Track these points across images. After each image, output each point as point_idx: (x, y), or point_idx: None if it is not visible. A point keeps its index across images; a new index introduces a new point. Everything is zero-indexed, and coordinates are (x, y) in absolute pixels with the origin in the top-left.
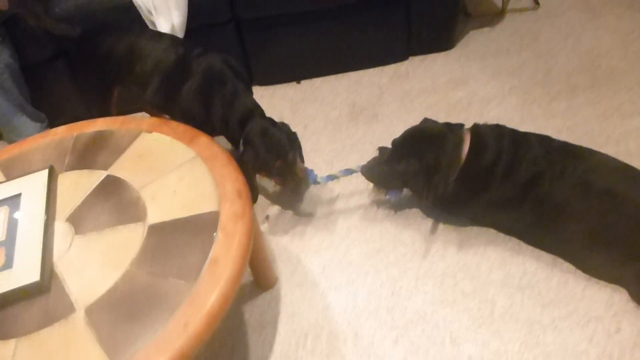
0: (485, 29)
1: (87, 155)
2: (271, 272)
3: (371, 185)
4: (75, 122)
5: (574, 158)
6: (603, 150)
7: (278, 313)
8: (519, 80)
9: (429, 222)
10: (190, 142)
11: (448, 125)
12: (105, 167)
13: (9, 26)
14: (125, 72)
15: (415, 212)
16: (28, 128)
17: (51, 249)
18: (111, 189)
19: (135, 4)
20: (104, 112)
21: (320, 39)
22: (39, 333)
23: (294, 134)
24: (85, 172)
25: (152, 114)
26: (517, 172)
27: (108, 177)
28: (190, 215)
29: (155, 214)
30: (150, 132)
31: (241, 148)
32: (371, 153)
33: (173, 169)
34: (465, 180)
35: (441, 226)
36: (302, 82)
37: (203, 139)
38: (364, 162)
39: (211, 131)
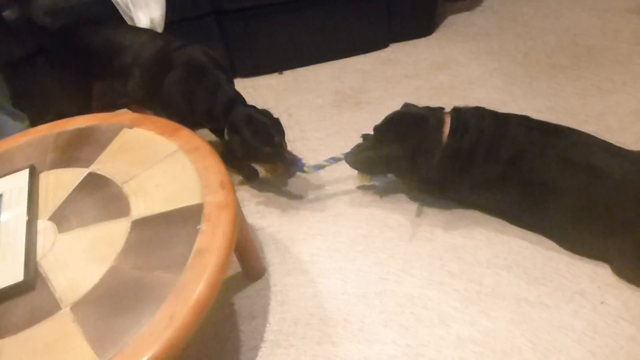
0: (465, 13)
1: (68, 152)
2: (259, 262)
3: (356, 172)
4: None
5: (553, 136)
6: (584, 127)
7: (268, 302)
8: (500, 61)
9: (414, 206)
10: (172, 135)
11: (428, 108)
12: (87, 164)
13: None
14: (104, 67)
15: (401, 196)
16: (8, 128)
17: (34, 248)
18: (94, 185)
19: (113, 0)
20: (85, 109)
21: (301, 28)
22: (25, 332)
23: (277, 119)
24: (67, 169)
25: (134, 110)
26: (499, 151)
27: (90, 173)
28: (174, 209)
29: (139, 209)
30: (131, 127)
31: (226, 137)
32: (356, 139)
33: (156, 163)
34: (448, 161)
35: (427, 209)
36: (286, 72)
37: (185, 132)
38: (349, 149)
39: (194, 124)
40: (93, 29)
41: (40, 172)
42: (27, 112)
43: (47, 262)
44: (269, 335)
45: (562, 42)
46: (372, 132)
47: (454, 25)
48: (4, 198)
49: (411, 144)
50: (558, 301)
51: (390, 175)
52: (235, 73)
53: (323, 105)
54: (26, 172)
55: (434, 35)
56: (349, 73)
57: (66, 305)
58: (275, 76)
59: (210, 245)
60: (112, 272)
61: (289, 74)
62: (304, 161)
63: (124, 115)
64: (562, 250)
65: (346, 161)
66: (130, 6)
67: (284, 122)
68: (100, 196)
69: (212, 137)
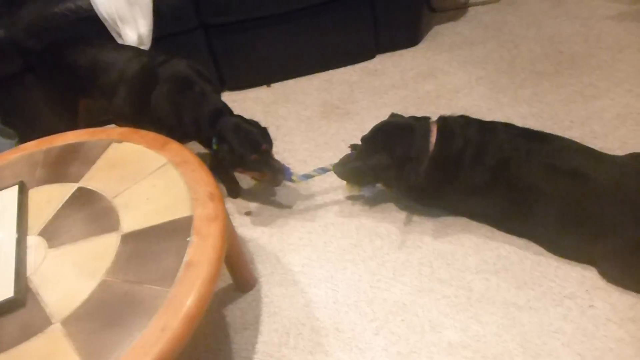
0: (450, 23)
1: (57, 168)
2: (250, 273)
3: (345, 182)
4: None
5: (538, 142)
6: (568, 133)
7: (259, 313)
8: (485, 70)
9: (403, 215)
10: (161, 149)
11: (415, 118)
12: (76, 179)
13: None
14: (88, 85)
15: (390, 205)
16: None
17: (24, 264)
18: (83, 200)
19: (100, 16)
20: (71, 126)
21: (289, 41)
22: (16, 348)
23: (265, 128)
24: (56, 185)
25: (120, 126)
26: (485, 158)
27: (80, 189)
28: (164, 222)
29: (129, 223)
30: (120, 141)
31: (214, 146)
32: (344, 150)
33: (145, 176)
34: (435, 169)
35: (415, 218)
36: (274, 84)
37: (173, 145)
38: (337, 159)
39: (184, 136)
40: (77, 47)
41: (30, 188)
42: (16, 129)
43: (37, 278)
44: (260, 346)
45: (546, 50)
46: (360, 143)
47: (439, 36)
48: None
49: (398, 153)
50: (547, 305)
51: (378, 185)
52: (224, 86)
53: (311, 117)
54: (15, 188)
55: (420, 45)
56: (336, 84)
57: (57, 321)
58: (264, 89)
59: (201, 258)
60: (102, 286)
61: (277, 87)
62: (292, 170)
63: (112, 130)
64: (550, 254)
65: (334, 172)
66: (118, 22)
67: (272, 134)
68: (89, 211)
69: (201, 149)
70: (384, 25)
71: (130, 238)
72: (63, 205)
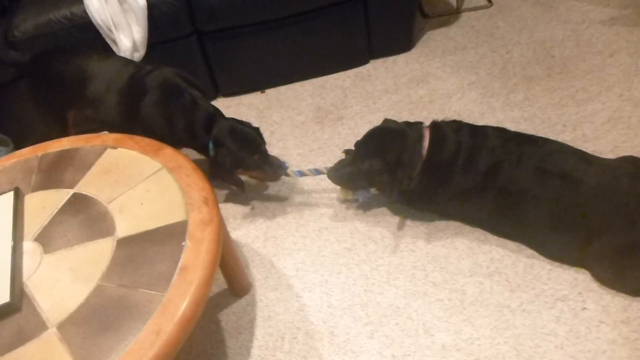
0: (443, 29)
1: (53, 174)
2: (244, 278)
3: (339, 188)
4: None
5: (529, 146)
6: (560, 137)
7: (254, 318)
8: (478, 75)
9: (397, 219)
10: (155, 154)
11: (407, 123)
12: (71, 185)
13: None
14: (76, 96)
15: (384, 210)
16: None
17: (20, 269)
18: (79, 206)
19: (95, 23)
20: (63, 136)
21: (282, 47)
22: (12, 353)
23: (257, 128)
24: (51, 191)
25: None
26: (477, 162)
27: (75, 194)
28: (159, 227)
29: (124, 228)
30: (115, 147)
31: (211, 152)
32: (338, 155)
33: (140, 181)
34: (428, 173)
35: (409, 222)
36: (267, 90)
37: (168, 150)
38: (331, 164)
39: (176, 143)
40: (63, 58)
41: (25, 194)
42: (11, 136)
43: (33, 283)
44: (255, 351)
45: (537, 54)
46: (353, 148)
47: (432, 41)
48: None
49: (391, 158)
50: (540, 308)
51: (372, 190)
52: (218, 92)
53: (305, 122)
54: (11, 194)
55: (413, 50)
56: (330, 90)
57: (53, 325)
58: (258, 95)
59: (195, 262)
60: (97, 290)
61: (270, 92)
62: (287, 165)
63: (107, 136)
64: (543, 257)
65: (328, 177)
66: (113, 29)
67: (266, 139)
68: (85, 216)
69: (196, 155)
70: (377, 31)
71: (125, 243)
72: (58, 210)
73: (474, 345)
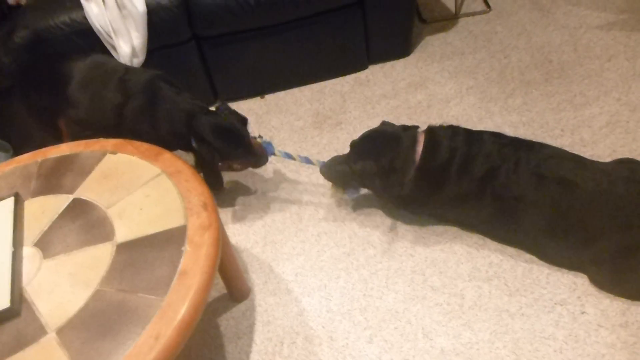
0: (441, 34)
1: (52, 179)
2: (244, 282)
3: (330, 184)
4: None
5: (526, 151)
6: (559, 141)
7: (253, 322)
8: (476, 80)
9: (396, 223)
10: (154, 159)
11: (403, 127)
12: (71, 190)
13: None
14: (64, 102)
15: (382, 214)
16: None
17: (20, 275)
18: (78, 211)
19: (95, 29)
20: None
21: (281, 52)
22: (11, 358)
23: (244, 117)
24: (51, 196)
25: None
26: (472, 168)
27: (74, 200)
28: (158, 231)
29: (123, 233)
30: (114, 152)
31: (194, 145)
32: None
33: (139, 186)
34: (421, 179)
35: (408, 226)
36: (266, 95)
37: (167, 155)
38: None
39: (165, 147)
40: (51, 65)
41: (25, 199)
42: (10, 142)
43: (32, 288)
44: (254, 356)
45: (535, 59)
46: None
47: (430, 46)
48: None
49: (384, 162)
50: (539, 312)
51: (362, 190)
52: (217, 98)
53: (304, 127)
54: (11, 200)
55: (411, 56)
56: (328, 95)
57: (52, 330)
58: (257, 100)
59: (194, 266)
60: (97, 295)
61: (269, 98)
62: (273, 145)
63: (106, 141)
64: (542, 261)
65: (320, 172)
66: (112, 35)
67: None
68: (84, 221)
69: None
70: (375, 36)
71: (125, 248)
72: (58, 216)
73: (473, 350)
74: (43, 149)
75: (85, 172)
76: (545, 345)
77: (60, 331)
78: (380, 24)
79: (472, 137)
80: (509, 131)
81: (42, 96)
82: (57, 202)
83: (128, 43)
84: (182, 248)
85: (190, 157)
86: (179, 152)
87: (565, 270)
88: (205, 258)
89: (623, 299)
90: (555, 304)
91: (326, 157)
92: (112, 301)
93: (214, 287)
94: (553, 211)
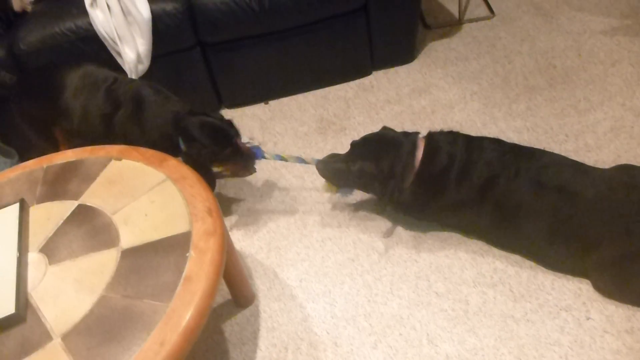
0: (445, 40)
1: (58, 185)
2: (248, 288)
3: (324, 181)
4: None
5: (526, 159)
6: (563, 146)
7: (258, 328)
8: (480, 85)
9: (400, 229)
10: (159, 165)
11: (404, 133)
12: (76, 197)
13: None
14: (56, 112)
15: (386, 220)
16: None
17: (25, 280)
18: (83, 217)
19: (100, 35)
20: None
21: (285, 58)
22: None
23: (230, 121)
24: (56, 202)
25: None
26: (472, 175)
27: (80, 206)
28: (163, 237)
29: (128, 239)
30: (119, 159)
31: (182, 146)
32: None
33: (144, 192)
34: (421, 185)
35: (412, 232)
36: (270, 101)
37: (172, 161)
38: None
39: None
40: (43, 75)
41: (31, 205)
42: (16, 148)
43: (37, 294)
44: None
45: (539, 64)
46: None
47: (434, 52)
48: None
49: (384, 166)
50: (544, 318)
51: (355, 190)
52: (221, 104)
53: (308, 133)
54: (16, 206)
55: (415, 61)
56: (332, 101)
57: (57, 336)
58: (261, 106)
59: (199, 272)
60: (102, 301)
61: (274, 103)
62: (263, 149)
63: (111, 147)
64: (546, 267)
65: (317, 168)
66: (117, 41)
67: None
68: (89, 227)
69: None
70: (379, 42)
71: (130, 254)
72: (64, 221)
73: (478, 356)
74: (48, 155)
75: (90, 178)
76: (551, 351)
77: (66, 337)
78: (384, 30)
79: (473, 144)
80: (513, 136)
81: (34, 105)
82: (63, 208)
83: (133, 49)
84: (187, 254)
85: None
86: None
87: (570, 276)
88: (210, 264)
89: (628, 305)
90: (561, 309)
91: None
92: (117, 307)
93: (218, 293)
94: (553, 219)
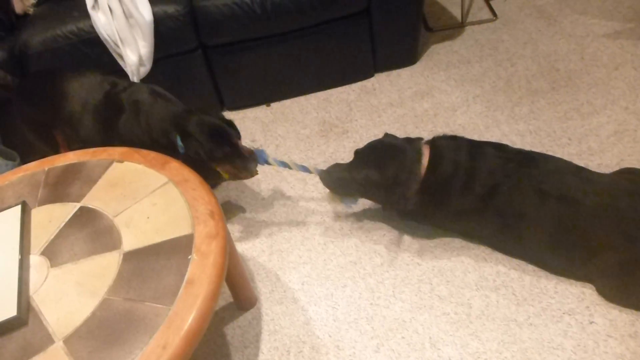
0: (447, 42)
1: (59, 188)
2: (250, 291)
3: (328, 191)
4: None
5: (529, 166)
6: (566, 150)
7: (260, 332)
8: (482, 88)
9: (402, 232)
10: (161, 168)
11: (408, 139)
12: (78, 199)
13: None
14: (56, 116)
15: (389, 223)
16: (0, 167)
17: (27, 283)
18: (85, 219)
19: (102, 38)
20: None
21: (287, 61)
22: None
23: (230, 121)
24: (58, 205)
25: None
26: (475, 184)
27: (82, 208)
28: (165, 240)
29: (130, 241)
30: (121, 161)
31: (180, 143)
32: None
33: (146, 195)
34: (426, 193)
35: (414, 235)
36: (273, 104)
37: (174, 164)
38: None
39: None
40: (44, 79)
41: (32, 208)
42: (17, 150)
43: (39, 297)
44: None
45: (542, 68)
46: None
47: (436, 55)
48: None
49: (389, 174)
50: (547, 321)
51: (359, 199)
52: (224, 106)
53: (310, 136)
54: (18, 208)
55: (418, 64)
56: (334, 103)
57: (59, 339)
58: (263, 108)
59: (201, 275)
60: (104, 304)
61: (276, 106)
62: (267, 153)
63: (113, 149)
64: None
65: (320, 178)
66: (119, 44)
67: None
68: (91, 230)
69: None
70: (381, 44)
71: (132, 256)
72: (65, 224)
73: None
74: (50, 157)
75: (92, 181)
76: (554, 355)
77: (68, 340)
78: (387, 33)
79: (476, 151)
80: (515, 140)
81: (35, 108)
82: (64, 211)
83: (135, 52)
84: (189, 257)
85: None
86: None
87: (573, 280)
88: (213, 267)
89: (632, 309)
90: (564, 313)
91: None
92: (119, 310)
93: (220, 296)
94: (556, 227)
